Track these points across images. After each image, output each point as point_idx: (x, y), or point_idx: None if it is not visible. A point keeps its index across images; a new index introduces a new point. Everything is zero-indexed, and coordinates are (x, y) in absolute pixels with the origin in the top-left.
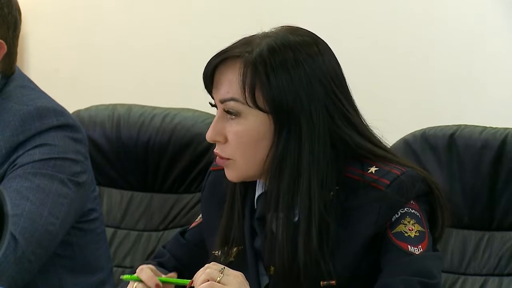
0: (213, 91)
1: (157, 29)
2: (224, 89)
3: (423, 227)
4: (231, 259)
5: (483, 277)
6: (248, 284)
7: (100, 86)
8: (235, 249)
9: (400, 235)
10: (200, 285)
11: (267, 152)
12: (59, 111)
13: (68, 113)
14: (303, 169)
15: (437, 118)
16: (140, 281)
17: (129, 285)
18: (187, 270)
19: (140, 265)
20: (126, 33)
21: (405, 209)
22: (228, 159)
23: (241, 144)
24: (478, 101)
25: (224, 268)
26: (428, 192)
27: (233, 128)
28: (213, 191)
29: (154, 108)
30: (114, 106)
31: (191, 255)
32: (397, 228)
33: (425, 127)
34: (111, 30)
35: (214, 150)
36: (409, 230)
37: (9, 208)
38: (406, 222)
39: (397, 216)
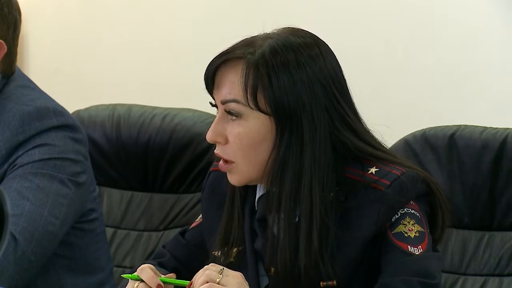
0: (214, 92)
1: (157, 29)
2: (226, 90)
3: (423, 227)
4: (231, 259)
5: (483, 277)
6: (247, 284)
7: (100, 86)
8: (235, 249)
9: (400, 235)
10: (199, 286)
11: (268, 154)
12: (59, 111)
13: (68, 113)
14: (305, 171)
15: (437, 118)
16: (141, 280)
17: (129, 284)
18: (187, 270)
19: (140, 265)
20: (126, 33)
21: (405, 209)
22: (230, 163)
23: (242, 145)
24: (478, 102)
25: (223, 269)
26: (428, 193)
27: (234, 130)
28: (213, 191)
29: (154, 108)
30: (114, 106)
31: (191, 255)
32: (397, 228)
33: (425, 127)
34: (111, 30)
35: (215, 151)
36: (409, 230)
37: (9, 208)
38: (406, 222)
39: (397, 216)
